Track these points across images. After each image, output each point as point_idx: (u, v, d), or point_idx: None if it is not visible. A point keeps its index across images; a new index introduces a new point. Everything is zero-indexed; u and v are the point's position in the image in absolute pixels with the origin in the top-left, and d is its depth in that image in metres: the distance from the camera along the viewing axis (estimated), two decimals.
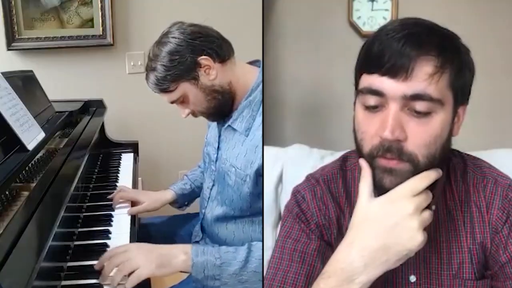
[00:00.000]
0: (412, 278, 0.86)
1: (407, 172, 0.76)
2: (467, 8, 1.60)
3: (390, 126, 0.73)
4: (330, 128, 1.72)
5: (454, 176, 0.87)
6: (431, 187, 0.81)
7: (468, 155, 0.91)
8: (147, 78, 1.26)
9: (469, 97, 0.81)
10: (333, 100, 1.69)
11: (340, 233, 0.89)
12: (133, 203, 1.49)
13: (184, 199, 1.58)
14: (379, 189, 0.80)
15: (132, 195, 1.51)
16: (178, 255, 1.10)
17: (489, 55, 1.44)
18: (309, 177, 0.94)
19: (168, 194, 1.55)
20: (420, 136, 0.74)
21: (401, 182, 0.76)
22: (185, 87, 1.23)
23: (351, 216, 0.86)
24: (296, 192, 0.94)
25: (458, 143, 0.87)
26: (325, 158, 1.47)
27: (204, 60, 1.21)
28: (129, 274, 1.05)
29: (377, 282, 0.85)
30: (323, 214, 0.90)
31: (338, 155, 0.99)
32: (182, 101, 1.26)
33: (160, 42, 1.23)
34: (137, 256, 1.07)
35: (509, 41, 1.58)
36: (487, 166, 0.89)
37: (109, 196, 1.49)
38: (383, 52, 0.74)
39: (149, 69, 1.24)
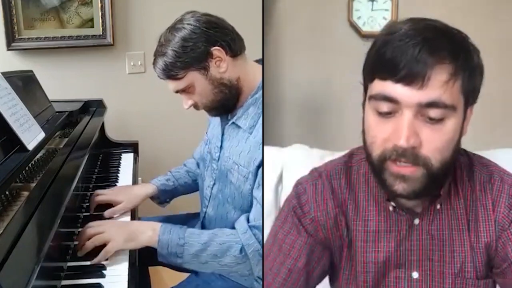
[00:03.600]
0: (415, 275, 0.87)
1: (420, 177, 0.76)
2: (467, 8, 1.60)
3: (406, 135, 0.73)
4: (330, 128, 1.72)
5: (460, 175, 0.88)
6: (439, 186, 0.82)
7: (474, 154, 0.92)
8: (154, 63, 1.23)
9: (477, 97, 0.81)
10: (333, 100, 1.69)
11: (336, 231, 0.91)
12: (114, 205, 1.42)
13: (166, 195, 1.54)
14: (390, 195, 0.81)
15: (109, 197, 1.43)
16: (146, 231, 1.18)
17: (488, 55, 1.44)
18: (313, 171, 0.95)
19: (149, 188, 1.51)
20: (434, 142, 0.75)
21: (413, 189, 0.77)
22: (194, 76, 1.21)
23: (352, 212, 0.89)
24: (298, 184, 0.95)
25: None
26: (325, 158, 1.46)
27: (216, 51, 1.19)
28: (100, 248, 1.13)
29: (379, 277, 0.88)
30: (320, 208, 0.91)
31: (338, 155, 0.99)
32: (188, 91, 1.24)
33: (173, 28, 1.20)
34: (109, 230, 1.17)
35: (509, 40, 1.58)
36: (493, 164, 0.90)
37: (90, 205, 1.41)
38: (398, 59, 0.73)
39: (159, 54, 1.21)
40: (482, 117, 1.51)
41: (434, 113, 0.74)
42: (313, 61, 1.73)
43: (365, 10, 1.72)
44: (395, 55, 0.73)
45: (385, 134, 0.76)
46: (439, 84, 0.73)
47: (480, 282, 0.85)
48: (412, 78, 0.72)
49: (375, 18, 1.72)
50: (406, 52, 0.72)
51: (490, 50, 1.49)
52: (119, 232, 1.17)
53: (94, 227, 1.19)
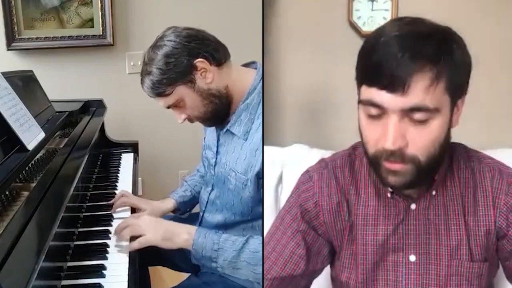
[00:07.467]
0: (412, 258, 0.92)
1: (410, 171, 0.82)
2: (467, 7, 1.60)
3: (392, 138, 0.79)
4: (330, 128, 1.72)
5: (457, 164, 0.92)
6: (430, 176, 0.88)
7: (470, 148, 0.96)
8: (142, 82, 1.25)
9: (466, 89, 0.85)
10: (333, 100, 1.69)
11: (338, 216, 0.97)
12: (133, 210, 1.49)
13: (185, 206, 1.57)
14: (386, 185, 0.88)
15: (134, 201, 1.50)
16: (182, 234, 1.19)
17: (488, 54, 1.44)
18: (321, 160, 1.02)
19: (169, 203, 1.54)
20: (419, 142, 0.80)
21: (405, 181, 0.83)
22: (182, 91, 1.21)
23: (354, 198, 0.96)
24: (305, 172, 1.02)
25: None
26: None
27: (200, 62, 1.19)
28: (136, 238, 1.18)
29: (378, 260, 0.93)
30: (324, 194, 0.97)
31: None
32: (179, 105, 1.25)
33: (155, 46, 1.22)
34: (148, 224, 1.21)
35: (509, 40, 1.58)
36: (489, 157, 0.95)
37: (111, 201, 1.48)
38: (381, 68, 0.77)
39: (144, 73, 1.23)
40: (483, 117, 1.52)
41: (418, 116, 0.78)
42: (313, 61, 1.72)
43: (365, 10, 1.72)
44: (379, 63, 0.78)
45: (376, 135, 0.82)
46: (421, 90, 0.77)
47: (474, 264, 0.90)
48: (394, 85, 0.77)
49: (375, 18, 1.71)
50: (388, 61, 0.77)
51: (490, 48, 1.50)
52: (156, 228, 1.20)
53: (134, 218, 1.25)
